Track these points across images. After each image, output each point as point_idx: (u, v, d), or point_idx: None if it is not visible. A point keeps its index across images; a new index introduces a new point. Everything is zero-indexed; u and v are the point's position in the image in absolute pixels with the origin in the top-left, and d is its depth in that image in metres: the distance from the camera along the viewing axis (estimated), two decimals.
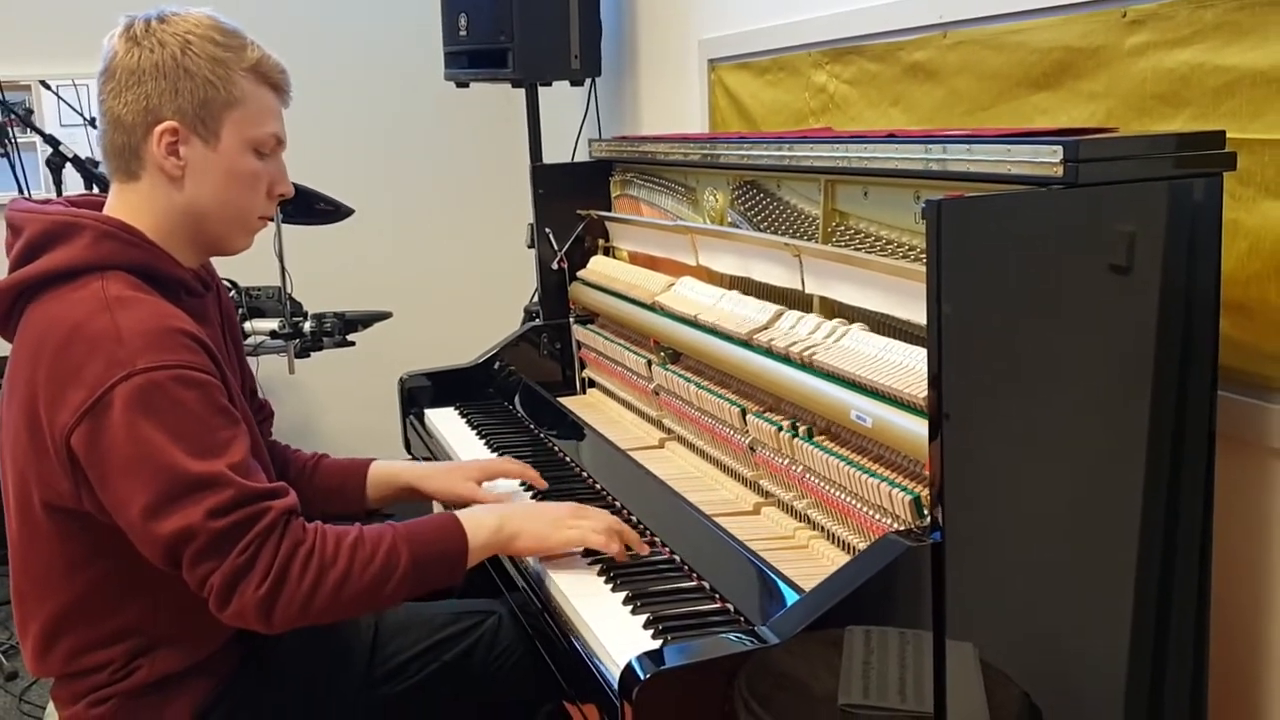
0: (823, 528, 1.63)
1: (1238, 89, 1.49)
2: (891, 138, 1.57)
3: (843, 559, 1.57)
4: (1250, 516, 1.51)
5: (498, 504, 1.75)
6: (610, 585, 1.56)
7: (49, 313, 1.48)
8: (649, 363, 2.14)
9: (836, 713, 1.31)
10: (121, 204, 1.57)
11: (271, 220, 1.62)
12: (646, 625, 1.44)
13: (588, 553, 1.66)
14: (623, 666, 1.28)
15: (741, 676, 1.26)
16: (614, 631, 1.44)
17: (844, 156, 1.62)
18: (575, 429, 2.20)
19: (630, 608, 1.49)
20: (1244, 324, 1.48)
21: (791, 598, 1.42)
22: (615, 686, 1.31)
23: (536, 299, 3.48)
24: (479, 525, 1.58)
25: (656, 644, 1.39)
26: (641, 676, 1.21)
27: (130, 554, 1.47)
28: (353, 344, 3.40)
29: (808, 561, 1.60)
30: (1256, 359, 1.49)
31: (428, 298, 4.14)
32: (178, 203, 1.56)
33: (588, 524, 1.64)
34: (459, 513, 1.61)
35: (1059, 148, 1.25)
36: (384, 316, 3.51)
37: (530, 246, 3.43)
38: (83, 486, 1.45)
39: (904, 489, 1.43)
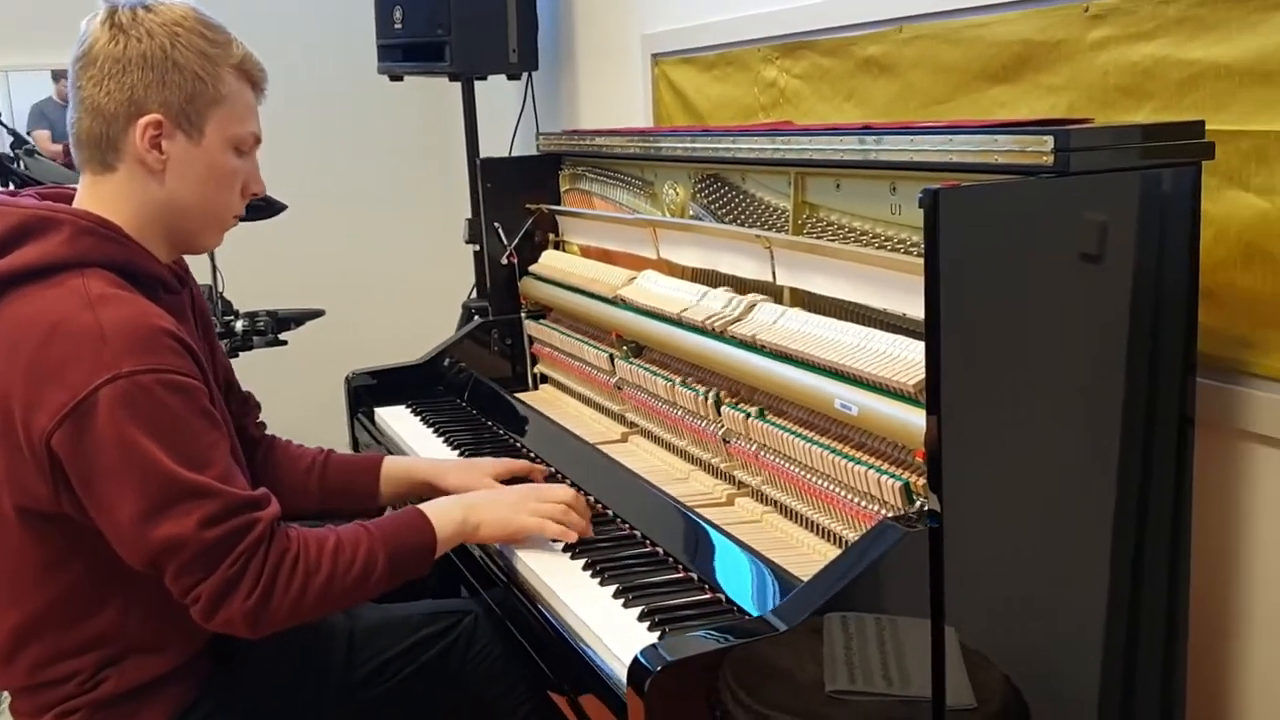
0: (801, 516, 1.64)
1: (1202, 82, 1.53)
2: (868, 130, 1.59)
3: (824, 546, 1.59)
4: (1220, 497, 1.56)
5: (460, 495, 1.75)
6: (598, 580, 1.56)
7: (25, 310, 1.43)
8: (611, 357, 2.13)
9: (828, 699, 1.32)
10: (95, 196, 1.53)
11: (241, 218, 1.61)
12: (641, 618, 1.44)
13: (568, 546, 1.67)
14: (628, 660, 1.27)
15: (738, 666, 1.26)
16: (610, 625, 1.43)
17: (822, 149, 1.63)
18: (539, 425, 2.19)
19: (622, 601, 1.49)
20: (1211, 309, 1.53)
21: (784, 586, 1.43)
22: (621, 680, 1.31)
23: (474, 294, 3.47)
24: (445, 518, 1.61)
25: (654, 635, 1.39)
26: (654, 668, 1.21)
27: (105, 557, 1.45)
28: (285, 343, 3.34)
29: (788, 550, 1.61)
30: (1223, 343, 1.53)
31: (360, 295, 4.08)
32: (156, 197, 1.52)
33: (546, 508, 1.67)
34: (423, 506, 1.63)
35: (1050, 137, 1.27)
36: (316, 314, 3.45)
37: (468, 242, 3.41)
38: (62, 488, 1.42)
39: (893, 476, 1.45)
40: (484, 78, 3.30)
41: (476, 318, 3.33)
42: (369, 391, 2.53)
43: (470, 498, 1.71)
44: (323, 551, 1.48)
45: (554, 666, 1.53)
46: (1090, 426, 1.38)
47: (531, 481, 1.90)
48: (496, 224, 2.54)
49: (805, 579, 1.43)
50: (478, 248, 3.40)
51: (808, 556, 1.58)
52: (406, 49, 3.22)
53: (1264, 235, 1.48)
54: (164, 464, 1.37)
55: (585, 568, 1.60)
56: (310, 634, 1.65)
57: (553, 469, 2.00)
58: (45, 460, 1.40)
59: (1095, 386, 1.38)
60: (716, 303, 1.85)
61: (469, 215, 3.38)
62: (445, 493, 1.86)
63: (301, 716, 1.64)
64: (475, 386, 2.48)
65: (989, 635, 1.38)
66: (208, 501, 1.39)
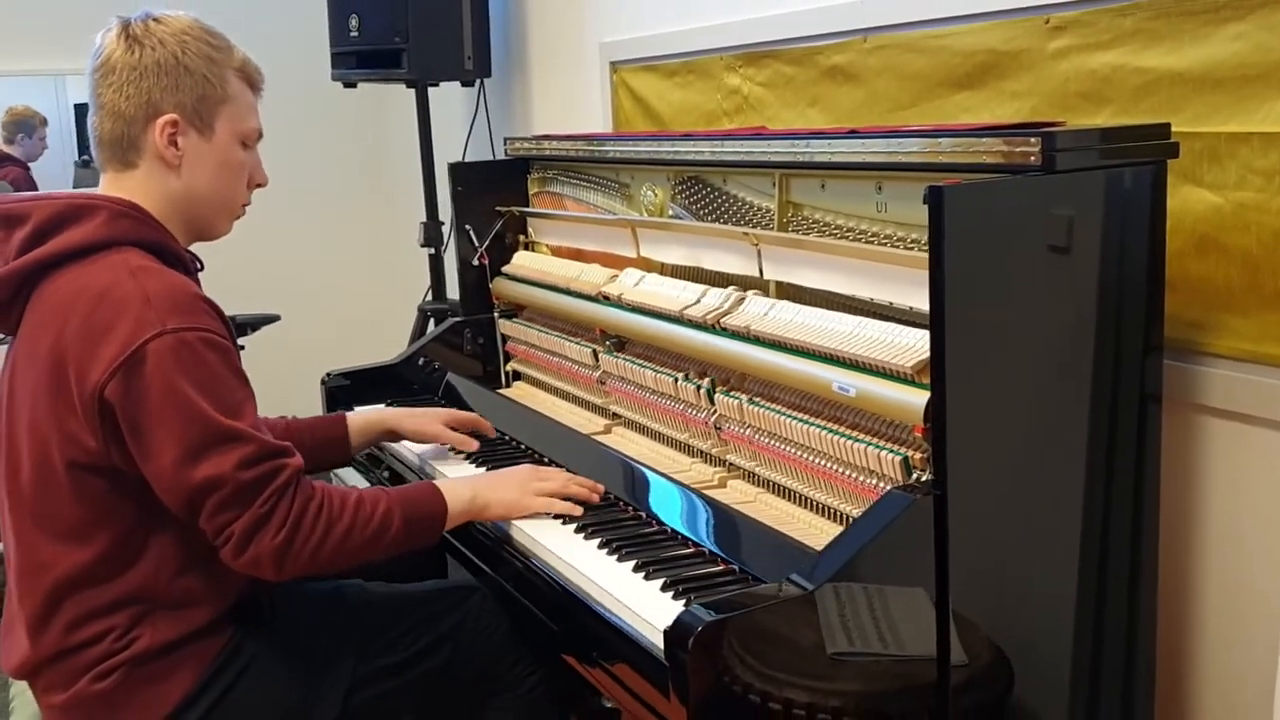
0: (796, 494, 1.76)
1: (1156, 88, 1.68)
2: (854, 133, 1.71)
3: (820, 520, 1.71)
4: (1180, 464, 1.71)
5: (471, 476, 1.92)
6: (615, 557, 1.65)
7: (72, 284, 1.57)
8: (595, 352, 2.23)
9: (832, 661, 1.43)
10: (119, 190, 1.67)
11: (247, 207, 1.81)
12: (665, 588, 1.54)
13: (581, 528, 1.76)
14: (661, 625, 1.37)
15: (759, 631, 1.36)
16: (637, 597, 1.52)
17: (812, 151, 1.74)
18: (523, 417, 2.27)
19: (643, 574, 1.59)
20: (1169, 295, 1.67)
21: (795, 555, 1.54)
22: (654, 645, 1.41)
23: (430, 297, 3.53)
24: (456, 495, 1.76)
25: (679, 603, 1.49)
26: (694, 627, 1.31)
27: (141, 512, 1.57)
28: (242, 348, 3.36)
29: (786, 525, 1.72)
30: (1177, 326, 1.68)
31: (312, 300, 4.12)
32: (175, 188, 1.67)
33: (549, 487, 1.82)
34: (438, 483, 1.77)
35: (1038, 138, 1.40)
36: (272, 319, 3.50)
37: (424, 245, 3.47)
38: (111, 440, 1.54)
39: (892, 451, 1.56)
40: (437, 84, 3.37)
41: (433, 320, 3.41)
42: (345, 391, 2.58)
43: (478, 480, 1.85)
44: (345, 503, 1.62)
45: (577, 637, 1.62)
46: (1065, 403, 1.52)
47: (482, 432, 2.16)
48: (468, 226, 2.62)
49: (813, 548, 1.55)
50: (433, 251, 3.47)
51: (806, 531, 1.70)
52: (361, 56, 3.28)
53: (1216, 227, 1.63)
54: (205, 411, 1.51)
55: (601, 546, 1.69)
56: (329, 600, 1.79)
57: (546, 458, 2.09)
58: (96, 413, 1.52)
59: (1070, 366, 1.51)
60: (710, 298, 1.95)
61: (424, 219, 3.45)
62: (405, 436, 2.12)
63: (322, 683, 1.73)
64: (451, 384, 2.55)
65: (976, 596, 1.51)
66: (244, 445, 1.53)
